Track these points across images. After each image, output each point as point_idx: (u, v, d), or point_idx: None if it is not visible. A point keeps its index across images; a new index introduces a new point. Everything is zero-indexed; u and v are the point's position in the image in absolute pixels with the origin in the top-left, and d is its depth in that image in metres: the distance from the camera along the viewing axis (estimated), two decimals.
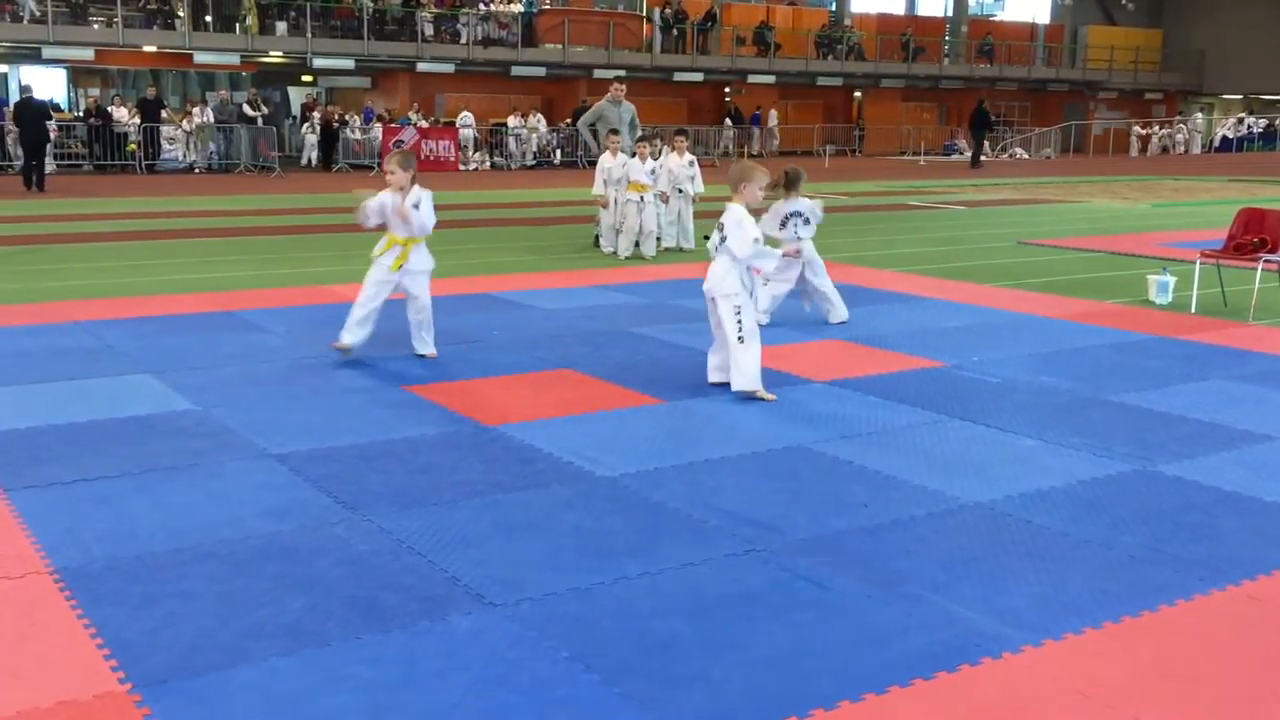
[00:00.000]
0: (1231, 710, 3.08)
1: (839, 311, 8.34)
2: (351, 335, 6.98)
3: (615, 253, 12.17)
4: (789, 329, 8.18)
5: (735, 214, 6.14)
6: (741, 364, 6.14)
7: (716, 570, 3.93)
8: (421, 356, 7.15)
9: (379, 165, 26.37)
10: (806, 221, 8.16)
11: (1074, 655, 3.35)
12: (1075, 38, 44.28)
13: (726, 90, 36.19)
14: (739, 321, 6.12)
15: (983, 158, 31.79)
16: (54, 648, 3.32)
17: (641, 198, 11.99)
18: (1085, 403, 6.25)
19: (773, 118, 36.28)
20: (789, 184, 8.00)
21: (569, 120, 29.25)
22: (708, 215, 15.08)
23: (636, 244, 12.15)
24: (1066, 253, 13.00)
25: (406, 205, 6.88)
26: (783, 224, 8.07)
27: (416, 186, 7.00)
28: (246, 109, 26.56)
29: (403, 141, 26.98)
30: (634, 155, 12.32)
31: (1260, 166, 32.10)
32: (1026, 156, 38.07)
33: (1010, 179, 26.62)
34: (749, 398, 6.16)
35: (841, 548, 4.14)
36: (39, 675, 3.16)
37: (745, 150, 32.80)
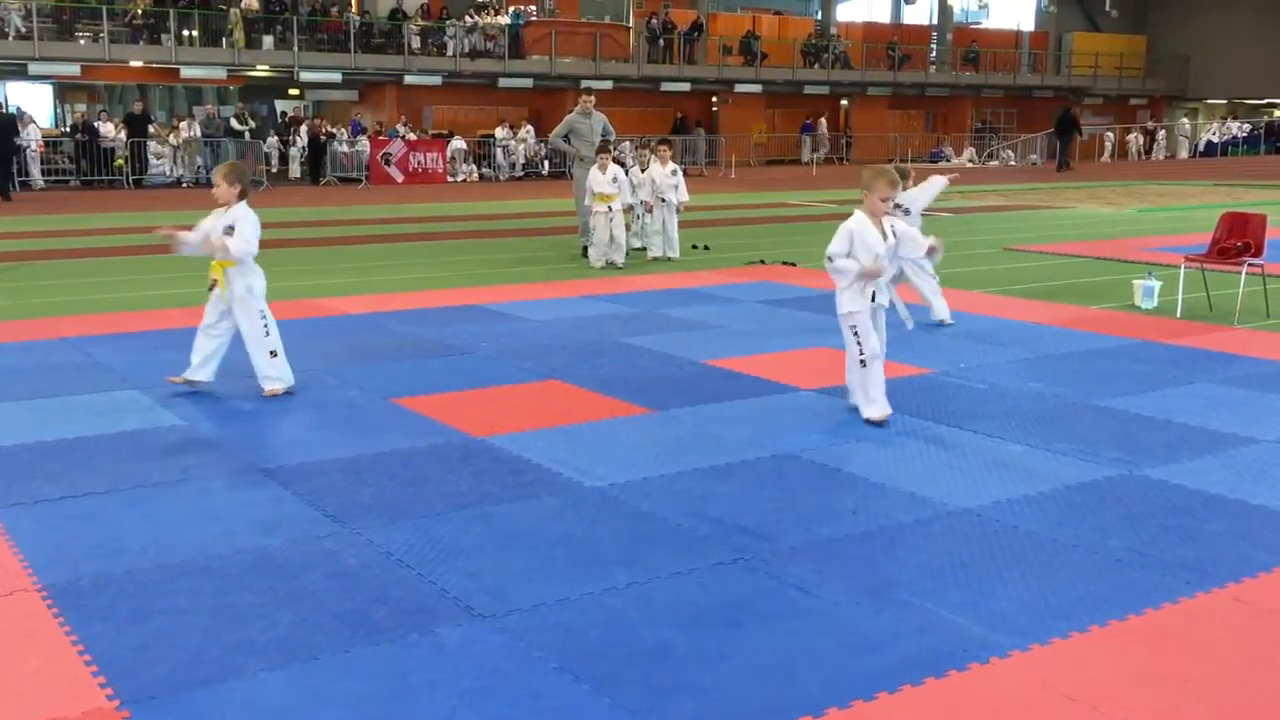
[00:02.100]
0: (1220, 713, 3.10)
1: (935, 309, 8.67)
2: (194, 372, 6.47)
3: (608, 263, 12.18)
4: (777, 336, 8.21)
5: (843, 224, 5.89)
6: (869, 390, 5.85)
7: (706, 579, 3.94)
8: (268, 394, 6.41)
9: (366, 178, 26.44)
10: (907, 213, 8.30)
11: (1062, 660, 3.37)
12: (1060, 44, 44.48)
13: (714, 99, 36.32)
14: (858, 343, 5.82)
15: (1069, 162, 33.48)
16: (42, 665, 3.32)
17: (609, 208, 12.00)
18: (1072, 408, 6.27)
19: (822, 125, 36.97)
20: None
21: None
22: (693, 225, 15.16)
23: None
24: (1052, 258, 13.05)
25: (217, 235, 6.26)
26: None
27: (243, 205, 6.33)
28: (234, 123, 26.55)
29: (390, 154, 27.03)
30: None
31: (1243, 171, 32.26)
32: (1014, 162, 38.22)
33: (1090, 183, 26.73)
34: (872, 424, 5.84)
35: (830, 555, 4.16)
36: (27, 693, 3.16)
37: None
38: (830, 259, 5.84)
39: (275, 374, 6.49)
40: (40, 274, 11.56)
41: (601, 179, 12.09)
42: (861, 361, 5.85)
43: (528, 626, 3.56)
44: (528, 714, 3.05)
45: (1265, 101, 46.16)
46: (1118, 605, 3.74)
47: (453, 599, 3.76)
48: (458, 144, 28.91)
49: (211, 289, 6.41)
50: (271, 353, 6.46)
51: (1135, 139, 42.59)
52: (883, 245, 5.83)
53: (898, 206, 8.18)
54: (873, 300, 5.86)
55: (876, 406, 5.88)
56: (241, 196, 6.38)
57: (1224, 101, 46.91)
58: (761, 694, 3.16)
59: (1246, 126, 44.82)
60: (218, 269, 6.36)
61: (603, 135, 13.18)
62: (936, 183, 8.81)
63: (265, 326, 6.42)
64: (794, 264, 12.21)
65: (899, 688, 3.19)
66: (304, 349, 7.58)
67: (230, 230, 6.32)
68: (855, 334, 5.85)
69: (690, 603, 3.75)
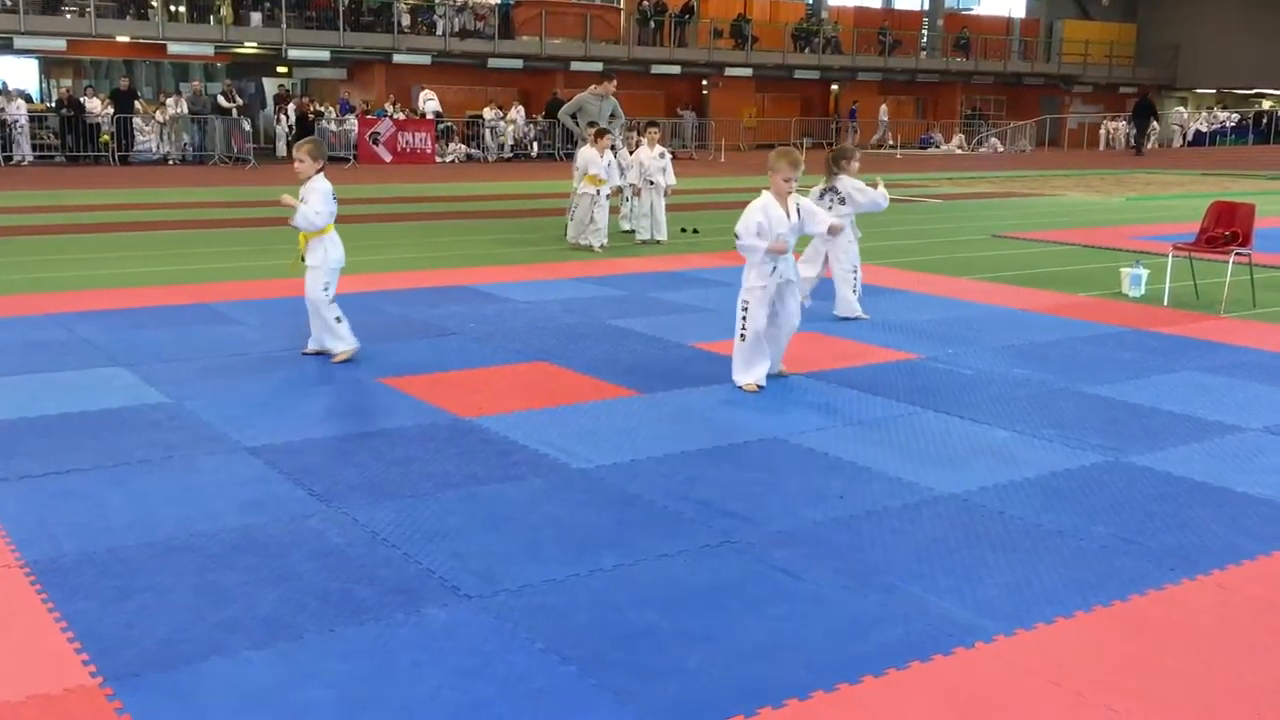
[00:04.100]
0: (1202, 699, 3.11)
1: (840, 305, 8.34)
2: (314, 342, 6.89)
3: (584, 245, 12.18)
4: None
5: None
6: (748, 360, 6.26)
7: (692, 562, 3.94)
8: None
9: (355, 157, 26.32)
10: (842, 201, 8.20)
11: (1046, 644, 3.38)
12: (1050, 32, 44.51)
13: (704, 83, 36.23)
14: (743, 317, 6.21)
15: (1145, 146, 35.87)
16: (25, 641, 3.30)
17: (598, 191, 11.97)
18: (1058, 394, 6.29)
19: (882, 111, 36.82)
20: (834, 160, 8.30)
21: (544, 114, 29.25)
22: (681, 208, 15.12)
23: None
24: (1041, 246, 13.07)
25: (284, 197, 6.63)
26: (820, 197, 8.16)
27: (320, 177, 6.68)
28: (221, 100, 26.36)
29: (378, 134, 26.89)
30: (623, 146, 12.49)
31: (1232, 161, 32.34)
32: (1002, 149, 38.24)
33: (1159, 170, 26.75)
34: (739, 389, 6.23)
35: (817, 539, 4.16)
36: (9, 669, 3.14)
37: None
38: (738, 237, 6.16)
39: (342, 337, 6.73)
40: (25, 249, 11.48)
41: (599, 162, 12.04)
42: (742, 336, 6.23)
43: (513, 607, 3.55)
44: (512, 695, 3.05)
45: (1254, 91, 46.25)
46: (1102, 591, 3.75)
47: (438, 579, 3.75)
48: (430, 103, 28.67)
49: (301, 260, 6.69)
50: (336, 319, 6.70)
51: (1121, 127, 42.66)
52: (786, 224, 6.19)
53: (835, 192, 8.20)
54: (773, 272, 6.15)
55: (751, 376, 6.25)
56: (320, 171, 6.69)
57: (1213, 91, 47.01)
58: (747, 676, 3.16)
59: (1235, 116, 44.92)
60: (301, 240, 6.66)
61: (612, 116, 13.18)
62: (878, 201, 8.21)
63: (328, 294, 6.67)
64: None
65: (884, 671, 3.20)
66: (291, 328, 7.55)
67: (306, 201, 6.65)
68: (744, 311, 6.21)
69: (676, 585, 3.75)
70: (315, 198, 6.60)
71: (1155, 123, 38.44)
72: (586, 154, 12.12)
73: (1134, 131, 36.91)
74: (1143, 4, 47.12)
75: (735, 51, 35.49)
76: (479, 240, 12.85)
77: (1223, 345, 7.63)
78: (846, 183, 8.22)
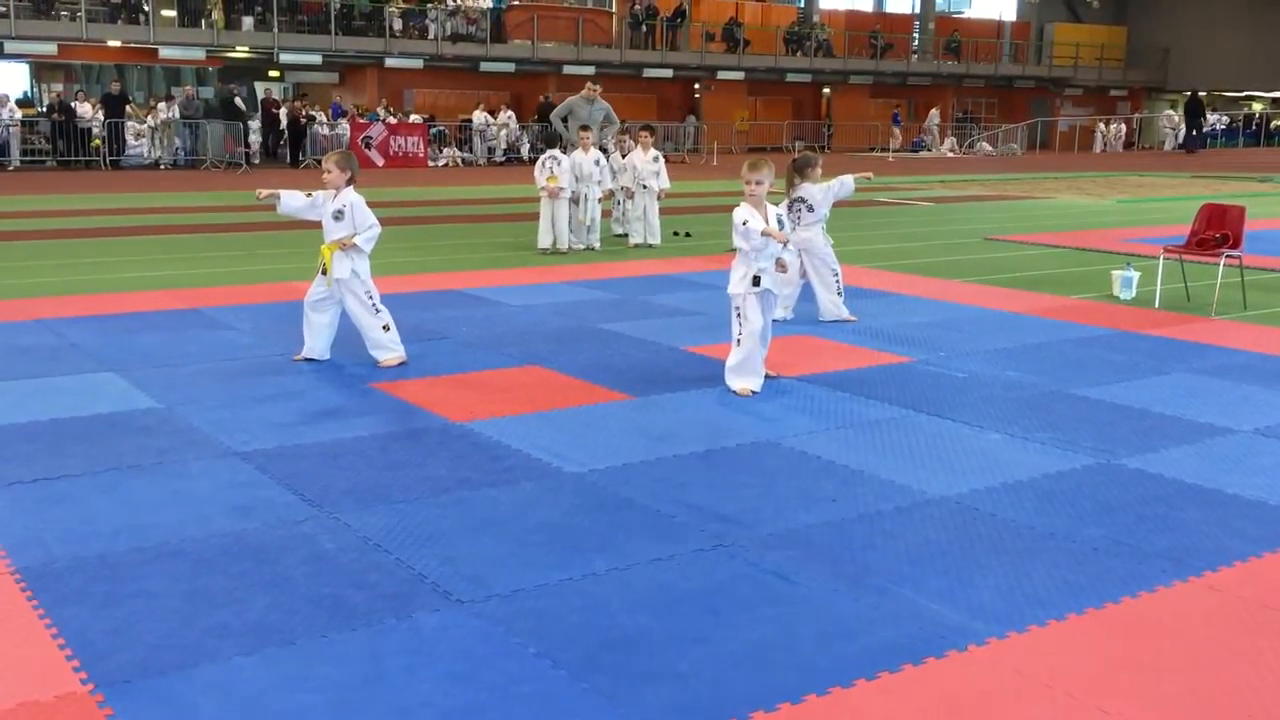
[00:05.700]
0: (1193, 700, 3.12)
1: (823, 310, 8.33)
2: (307, 349, 6.83)
3: (585, 245, 12.25)
4: None
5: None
6: (730, 363, 6.29)
7: (684, 565, 3.94)
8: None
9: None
10: (810, 209, 8.19)
11: (1038, 647, 3.38)
12: (1041, 35, 44.61)
13: (696, 86, 36.26)
14: (738, 323, 6.23)
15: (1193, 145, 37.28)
16: (15, 648, 3.29)
17: (560, 191, 12.08)
18: (1050, 397, 6.29)
19: (933, 116, 36.55)
20: (796, 170, 8.25)
21: (535, 117, 29.24)
22: (674, 212, 15.12)
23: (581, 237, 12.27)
24: (1032, 248, 13.09)
25: (261, 191, 6.66)
26: (789, 209, 8.14)
27: (350, 190, 6.65)
28: (238, 103, 26.20)
29: (370, 138, 26.86)
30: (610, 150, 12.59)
31: (1223, 163, 32.42)
32: (993, 152, 38.31)
33: (1186, 174, 26.79)
34: (732, 393, 6.23)
35: (809, 542, 4.16)
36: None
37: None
38: (745, 223, 6.12)
39: (390, 345, 6.77)
40: (14, 254, 11.44)
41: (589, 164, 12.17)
42: (738, 341, 6.23)
43: (505, 612, 3.55)
44: (504, 699, 3.05)
45: (1244, 94, 46.37)
46: (1094, 594, 3.75)
47: (430, 584, 3.74)
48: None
49: (323, 272, 6.66)
50: (384, 327, 6.75)
51: (1115, 129, 42.75)
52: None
53: (802, 201, 8.21)
54: (756, 284, 6.16)
55: (746, 381, 6.23)
56: (350, 182, 6.68)
57: (1203, 94, 47.13)
58: (739, 681, 3.16)
59: (1225, 119, 45.04)
60: (326, 253, 6.62)
61: (607, 120, 13.40)
62: (846, 184, 8.29)
63: (373, 304, 6.72)
64: None
65: (877, 675, 3.19)
66: (283, 332, 7.54)
67: (339, 215, 6.61)
68: (738, 314, 6.23)
69: (668, 589, 3.74)
70: (361, 212, 6.62)
71: (1205, 120, 39.14)
72: (580, 158, 12.19)
73: (1184, 130, 37.85)
74: (1133, 6, 47.24)
75: (727, 55, 35.53)
76: (471, 244, 12.85)
77: (1213, 347, 7.64)
78: (812, 190, 8.22)
